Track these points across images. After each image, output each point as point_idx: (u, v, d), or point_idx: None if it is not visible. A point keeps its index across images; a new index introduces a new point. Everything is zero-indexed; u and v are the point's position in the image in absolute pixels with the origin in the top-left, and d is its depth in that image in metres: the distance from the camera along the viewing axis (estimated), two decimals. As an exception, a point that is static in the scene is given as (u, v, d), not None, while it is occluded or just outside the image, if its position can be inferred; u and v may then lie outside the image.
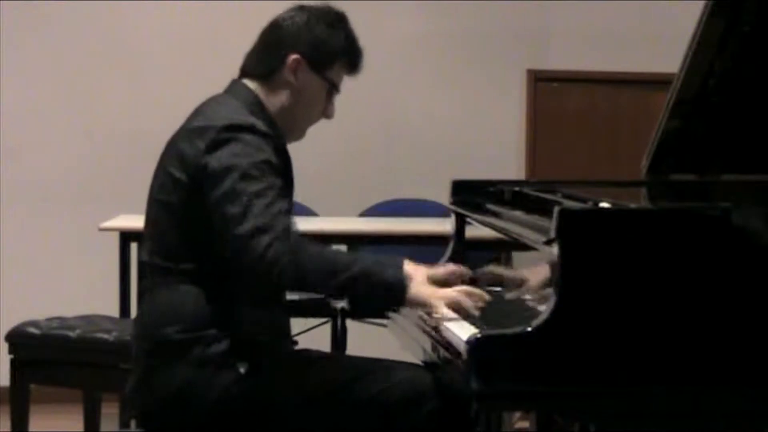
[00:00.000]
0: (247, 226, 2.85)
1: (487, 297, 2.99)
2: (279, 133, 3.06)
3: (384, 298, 2.98)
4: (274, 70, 3.08)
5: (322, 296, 3.06)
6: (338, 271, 2.88)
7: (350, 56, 3.13)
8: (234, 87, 3.11)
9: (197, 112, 3.09)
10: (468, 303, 2.94)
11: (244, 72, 3.13)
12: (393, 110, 6.52)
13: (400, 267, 2.93)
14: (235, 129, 2.94)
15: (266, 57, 3.09)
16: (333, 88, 3.12)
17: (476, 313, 2.93)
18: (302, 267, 2.86)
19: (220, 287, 2.98)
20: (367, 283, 2.89)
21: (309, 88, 3.09)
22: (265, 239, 2.83)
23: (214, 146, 2.93)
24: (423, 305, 2.97)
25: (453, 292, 2.97)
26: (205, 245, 2.97)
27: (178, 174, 2.98)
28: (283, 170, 3.00)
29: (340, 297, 3.16)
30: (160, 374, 2.98)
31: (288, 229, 2.87)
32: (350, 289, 2.94)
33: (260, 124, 2.98)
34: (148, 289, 3.06)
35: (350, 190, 6.35)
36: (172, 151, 3.04)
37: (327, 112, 3.14)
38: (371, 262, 2.92)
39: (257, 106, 3.05)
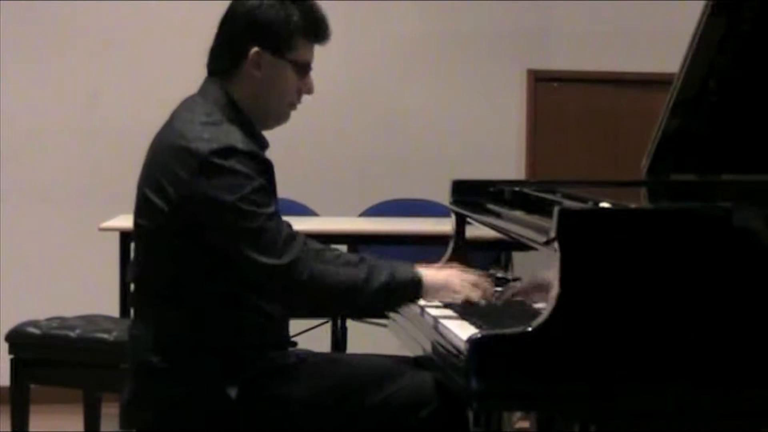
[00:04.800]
0: (259, 268, 2.85)
1: (489, 294, 3.08)
2: (258, 137, 3.01)
3: (402, 298, 3.03)
4: (237, 66, 3.00)
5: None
6: (353, 295, 2.93)
7: (311, 29, 3.02)
8: (205, 87, 3.04)
9: (171, 119, 3.01)
10: (485, 285, 3.06)
11: (210, 70, 3.06)
12: (393, 110, 6.52)
13: (409, 264, 3.03)
14: (218, 155, 2.86)
15: (226, 53, 3.02)
16: (302, 67, 3.03)
17: (491, 298, 3.06)
18: (317, 301, 2.94)
19: (203, 312, 2.93)
20: (384, 296, 2.96)
21: (276, 76, 3.00)
22: (281, 279, 2.86)
23: (198, 176, 2.86)
24: (441, 289, 3.03)
25: (470, 277, 3.07)
26: (184, 272, 2.93)
27: (156, 200, 2.92)
28: (268, 186, 2.94)
29: (361, 313, 3.18)
30: (148, 401, 2.96)
31: (298, 260, 2.87)
32: (370, 307, 3.04)
33: (240, 140, 2.90)
34: (137, 309, 3.05)
35: (350, 190, 6.35)
36: (149, 170, 2.98)
37: (305, 90, 3.05)
38: (383, 272, 2.95)
39: (230, 107, 2.98)
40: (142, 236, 3.01)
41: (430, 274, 3.02)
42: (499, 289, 3.35)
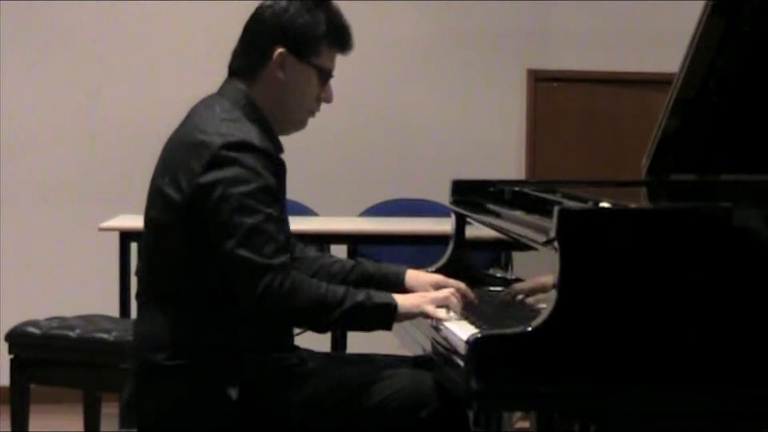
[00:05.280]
0: (245, 264, 2.83)
1: (471, 295, 3.09)
2: (275, 139, 3.01)
3: (377, 322, 2.98)
4: (261, 67, 3.00)
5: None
6: (329, 309, 2.88)
7: (336, 37, 3.03)
8: (225, 87, 3.04)
9: (189, 116, 3.02)
10: (455, 300, 3.01)
11: (232, 71, 3.05)
12: (393, 110, 6.52)
13: (387, 292, 3.01)
14: (231, 148, 2.87)
15: (251, 54, 3.02)
16: (324, 74, 3.04)
17: (460, 310, 3.01)
18: (294, 309, 2.87)
19: (208, 309, 2.93)
20: (358, 315, 2.92)
21: (299, 80, 3.01)
22: (264, 280, 2.82)
23: (210, 167, 2.86)
24: (417, 315, 3.00)
25: (440, 294, 3.05)
26: (192, 266, 2.93)
27: (171, 193, 2.92)
28: (277, 187, 2.94)
29: (333, 330, 3.10)
30: (149, 400, 2.96)
31: (285, 266, 2.85)
32: (342, 324, 3.04)
33: (257, 137, 2.92)
34: (140, 306, 3.04)
35: (350, 190, 6.35)
36: (165, 164, 2.98)
37: (324, 98, 3.06)
38: (359, 293, 2.93)
39: (250, 107, 2.98)
40: (152, 230, 3.01)
41: (405, 302, 2.98)
42: (497, 289, 3.35)
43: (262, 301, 2.84)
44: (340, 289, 2.91)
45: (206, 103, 3.03)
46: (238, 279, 2.86)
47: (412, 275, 3.25)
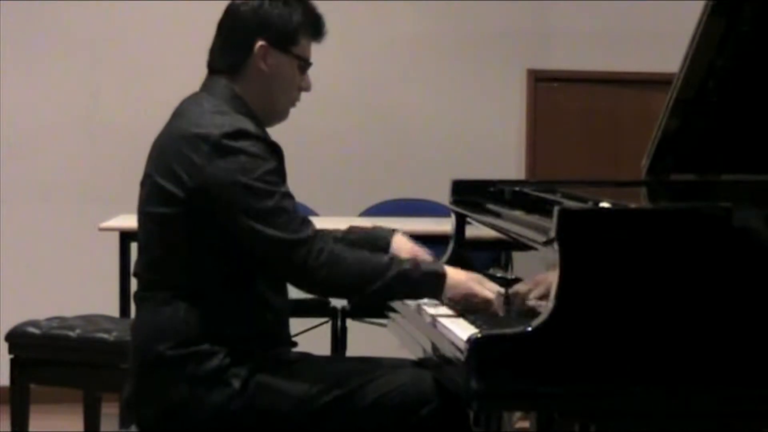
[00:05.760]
0: (277, 244, 2.88)
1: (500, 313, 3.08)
2: (264, 131, 3.04)
3: (424, 290, 3.02)
4: (243, 62, 3.04)
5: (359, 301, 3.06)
6: (376, 275, 2.93)
7: (312, 26, 3.09)
8: (210, 84, 3.07)
9: (178, 113, 3.05)
10: (500, 301, 3.04)
11: (213, 68, 3.09)
12: (393, 110, 6.52)
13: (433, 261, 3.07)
14: (230, 137, 2.91)
15: (231, 49, 3.06)
16: (304, 63, 3.09)
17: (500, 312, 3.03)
18: (341, 276, 2.92)
19: (210, 301, 2.95)
20: (406, 281, 2.96)
21: (281, 71, 3.06)
22: (300, 254, 2.87)
23: (213, 160, 2.90)
24: (462, 290, 3.03)
25: (489, 283, 3.08)
26: (194, 259, 2.95)
27: (170, 187, 2.93)
28: (280, 169, 2.98)
29: (378, 300, 3.07)
30: (152, 392, 2.96)
31: (315, 237, 2.90)
32: (390, 292, 3.00)
33: (250, 125, 2.96)
34: (141, 302, 3.04)
35: (350, 190, 6.35)
36: (159, 160, 2.99)
37: (304, 87, 3.11)
38: (406, 260, 2.99)
39: (238, 101, 3.02)
40: (151, 224, 3.02)
41: (453, 272, 3.03)
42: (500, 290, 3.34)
43: (304, 275, 2.91)
44: (385, 258, 2.98)
45: (194, 100, 3.06)
46: (275, 260, 2.92)
47: (399, 240, 3.28)
